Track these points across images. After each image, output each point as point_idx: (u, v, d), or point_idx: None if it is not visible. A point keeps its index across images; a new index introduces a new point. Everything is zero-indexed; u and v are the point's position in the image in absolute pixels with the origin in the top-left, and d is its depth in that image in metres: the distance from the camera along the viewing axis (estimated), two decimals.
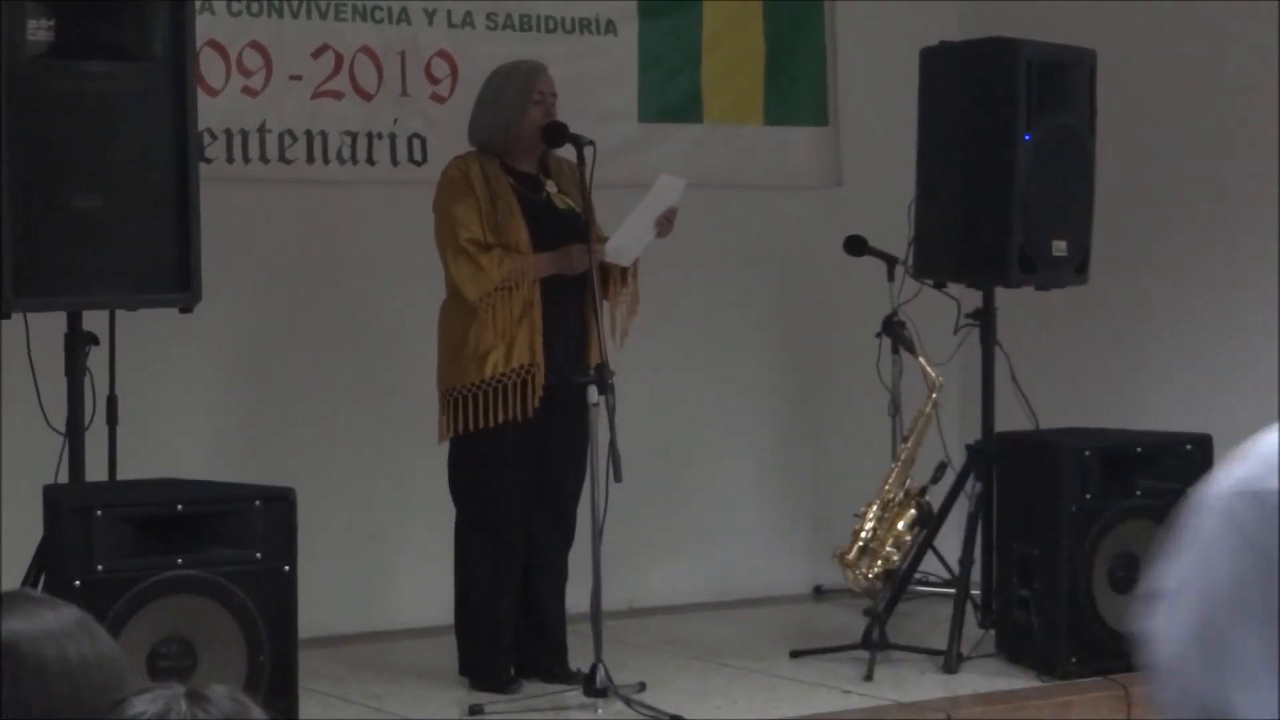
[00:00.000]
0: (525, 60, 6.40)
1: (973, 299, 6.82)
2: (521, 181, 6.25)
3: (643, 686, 6.11)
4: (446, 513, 6.31)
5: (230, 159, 6.93)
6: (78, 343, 5.46)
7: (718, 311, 7.94)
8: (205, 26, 6.51)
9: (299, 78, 7.06)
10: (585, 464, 6.07)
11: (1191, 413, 7.31)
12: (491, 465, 6.16)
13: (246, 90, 6.97)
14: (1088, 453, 6.38)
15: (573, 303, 6.20)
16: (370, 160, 7.21)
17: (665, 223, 6.28)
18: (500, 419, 6.06)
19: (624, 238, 6.24)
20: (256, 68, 6.98)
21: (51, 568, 5.23)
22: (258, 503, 5.36)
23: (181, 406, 6.88)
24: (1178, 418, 7.19)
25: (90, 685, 2.01)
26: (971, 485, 6.70)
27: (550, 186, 6.30)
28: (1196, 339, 7.71)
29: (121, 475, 5.69)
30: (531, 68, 6.33)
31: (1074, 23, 7.50)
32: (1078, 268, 6.77)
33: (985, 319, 6.76)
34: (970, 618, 6.57)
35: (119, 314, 5.58)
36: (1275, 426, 2.07)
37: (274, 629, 5.28)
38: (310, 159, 7.10)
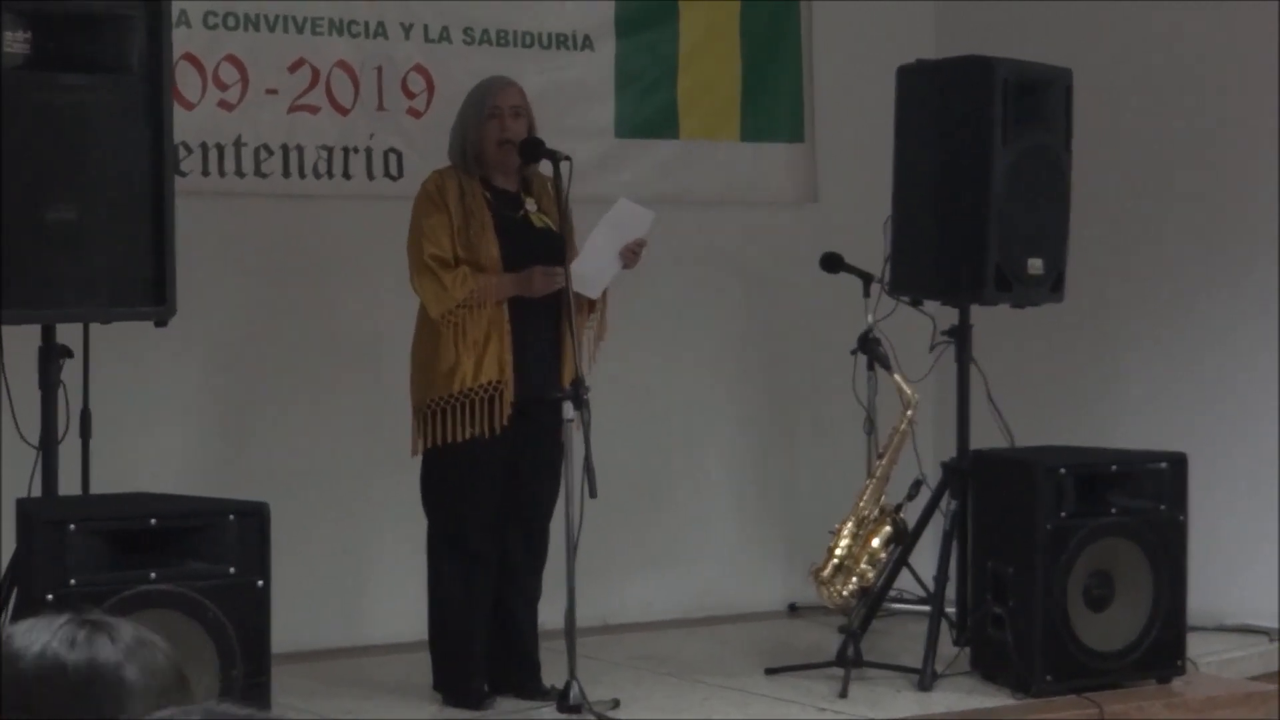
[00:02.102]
0: (495, 76, 6.38)
1: (948, 316, 6.82)
2: (500, 198, 6.22)
3: (617, 703, 6.10)
4: (420, 527, 6.29)
5: (206, 172, 6.92)
6: (51, 355, 5.44)
7: (693, 327, 7.94)
8: (181, 40, 6.49)
9: (275, 91, 7.05)
10: (559, 479, 6.05)
11: (1166, 431, 7.32)
12: (463, 479, 6.14)
13: (223, 104, 6.95)
14: (1063, 471, 6.38)
15: (547, 319, 6.17)
16: (346, 174, 7.19)
17: (631, 255, 6.24)
18: (469, 434, 6.05)
19: (586, 264, 6.19)
20: (233, 81, 6.97)
21: (24, 581, 5.20)
22: (231, 517, 5.33)
23: (155, 420, 6.85)
24: (1152, 436, 7.20)
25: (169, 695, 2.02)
26: (946, 503, 6.70)
27: (530, 205, 6.27)
28: (1171, 358, 7.72)
29: (95, 489, 5.67)
30: (492, 84, 6.27)
31: (1051, 40, 7.51)
32: (1053, 286, 6.78)
33: (961, 336, 6.76)
34: (945, 635, 6.56)
35: (93, 327, 5.56)
36: None
37: (247, 644, 5.26)
38: (286, 173, 7.08)
